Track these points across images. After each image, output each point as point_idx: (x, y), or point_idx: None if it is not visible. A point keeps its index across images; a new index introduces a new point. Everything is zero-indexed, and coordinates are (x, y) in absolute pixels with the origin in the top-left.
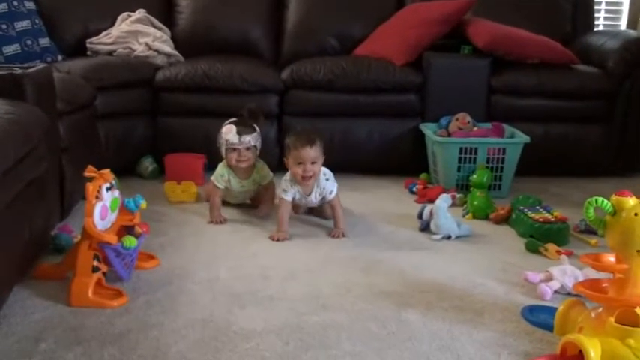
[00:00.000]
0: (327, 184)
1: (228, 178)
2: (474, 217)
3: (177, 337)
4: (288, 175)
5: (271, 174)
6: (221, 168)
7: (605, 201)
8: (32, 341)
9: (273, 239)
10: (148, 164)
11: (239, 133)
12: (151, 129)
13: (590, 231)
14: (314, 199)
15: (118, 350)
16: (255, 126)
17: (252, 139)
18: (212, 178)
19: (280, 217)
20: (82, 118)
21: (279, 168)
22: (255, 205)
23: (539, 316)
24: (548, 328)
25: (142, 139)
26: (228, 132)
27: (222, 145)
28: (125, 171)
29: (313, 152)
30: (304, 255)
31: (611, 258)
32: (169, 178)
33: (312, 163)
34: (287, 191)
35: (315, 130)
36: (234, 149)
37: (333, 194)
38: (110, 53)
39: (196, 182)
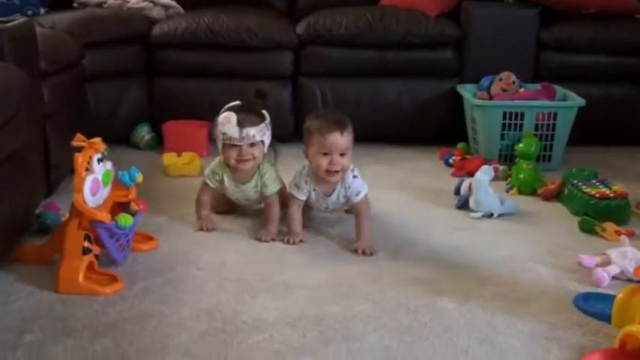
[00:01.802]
0: (355, 183)
1: (222, 178)
2: (520, 193)
3: (180, 328)
4: (305, 168)
5: (278, 183)
6: (216, 164)
7: None
8: (16, 332)
9: (288, 243)
10: (143, 133)
11: (240, 125)
12: (147, 92)
13: None
14: (336, 200)
15: (113, 342)
16: (265, 113)
17: (257, 133)
18: (205, 172)
19: (289, 215)
20: (68, 79)
21: (295, 138)
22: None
23: (594, 306)
24: (606, 318)
25: (137, 104)
26: (226, 122)
27: (218, 139)
28: (118, 140)
29: (344, 140)
30: (325, 237)
31: None
32: (168, 148)
33: (342, 154)
34: (300, 188)
35: (342, 114)
36: (234, 145)
37: (361, 196)
38: (100, 5)
39: (199, 153)
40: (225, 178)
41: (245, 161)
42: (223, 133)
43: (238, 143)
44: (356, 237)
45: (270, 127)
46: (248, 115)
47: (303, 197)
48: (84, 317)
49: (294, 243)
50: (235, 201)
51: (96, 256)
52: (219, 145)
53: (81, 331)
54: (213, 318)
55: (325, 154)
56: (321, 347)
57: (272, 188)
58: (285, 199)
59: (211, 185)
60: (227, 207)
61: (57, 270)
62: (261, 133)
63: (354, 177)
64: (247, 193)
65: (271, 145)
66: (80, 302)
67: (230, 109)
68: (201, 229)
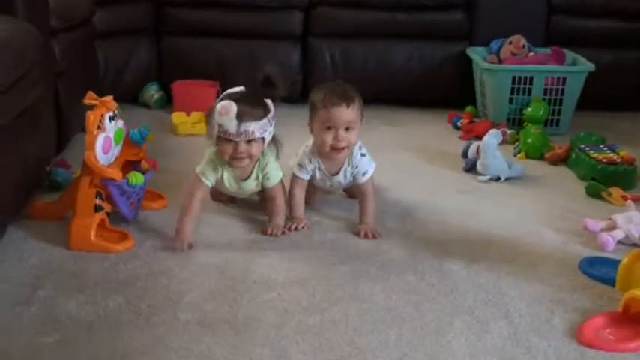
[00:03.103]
0: (362, 162)
1: (221, 174)
2: (527, 157)
3: (190, 285)
4: (308, 146)
5: (280, 174)
6: (214, 158)
7: None
8: (30, 287)
9: (290, 231)
10: (152, 91)
11: (239, 118)
12: (156, 51)
13: None
14: (342, 179)
15: (124, 299)
16: (270, 105)
17: (258, 129)
18: (198, 169)
19: (292, 198)
20: (78, 37)
21: (302, 101)
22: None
23: (599, 269)
24: (610, 282)
25: (146, 63)
26: (224, 113)
27: (212, 129)
28: (127, 99)
29: (350, 113)
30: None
31: None
32: (177, 107)
33: (347, 129)
34: (303, 167)
35: (352, 86)
36: (229, 140)
37: (367, 176)
38: None
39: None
40: (225, 175)
41: (240, 159)
42: (219, 125)
43: (234, 139)
44: (359, 219)
45: (273, 122)
46: (250, 107)
47: (306, 177)
48: (95, 274)
49: (296, 229)
50: (231, 194)
51: (107, 213)
52: (213, 135)
53: (93, 287)
54: (223, 276)
55: (329, 128)
56: (328, 306)
57: (274, 179)
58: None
59: (208, 184)
60: (227, 196)
61: (69, 227)
62: (261, 129)
63: (362, 155)
64: (248, 189)
65: (273, 141)
66: (91, 259)
67: (230, 96)
68: (175, 247)
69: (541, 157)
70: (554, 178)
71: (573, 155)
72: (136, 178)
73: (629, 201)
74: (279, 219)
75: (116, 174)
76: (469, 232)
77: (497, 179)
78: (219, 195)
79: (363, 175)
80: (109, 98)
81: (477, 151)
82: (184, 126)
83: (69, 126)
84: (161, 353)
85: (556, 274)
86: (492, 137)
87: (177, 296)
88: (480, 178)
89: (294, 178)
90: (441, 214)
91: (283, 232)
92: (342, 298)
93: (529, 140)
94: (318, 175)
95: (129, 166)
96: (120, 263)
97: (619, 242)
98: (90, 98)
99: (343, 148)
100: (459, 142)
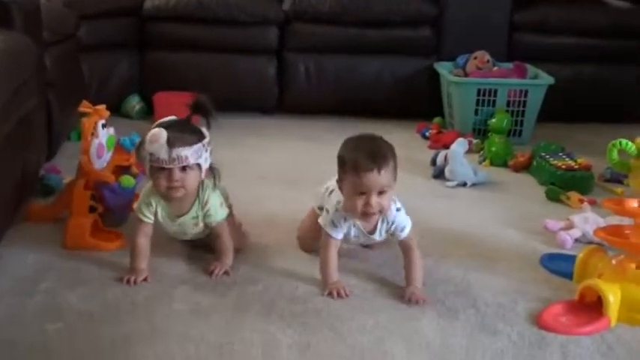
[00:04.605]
0: (398, 218)
1: (156, 210)
2: (492, 164)
3: (181, 280)
4: (339, 199)
5: (224, 212)
6: (148, 192)
7: (630, 143)
8: (31, 282)
9: (332, 297)
10: (134, 103)
11: (171, 144)
12: (138, 64)
13: (616, 180)
14: (378, 237)
15: (121, 291)
16: (205, 131)
17: (191, 155)
18: (135, 206)
19: (326, 262)
20: (66, 49)
21: (279, 110)
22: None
23: (558, 264)
24: (568, 276)
25: (128, 75)
26: (154, 140)
27: (145, 160)
28: (109, 110)
29: (383, 179)
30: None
31: (634, 204)
32: (158, 117)
33: (381, 192)
34: (338, 225)
35: (384, 140)
36: (163, 168)
37: (407, 230)
38: None
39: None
40: (159, 210)
41: (175, 189)
42: (150, 154)
43: (167, 166)
44: (406, 280)
45: (209, 148)
46: (182, 132)
47: (340, 236)
48: (92, 269)
49: (345, 294)
50: (172, 235)
51: (100, 214)
52: (146, 167)
53: (91, 281)
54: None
55: (361, 193)
56: (312, 297)
57: (218, 216)
58: (236, 221)
59: (146, 220)
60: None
61: (65, 227)
62: (195, 155)
63: (397, 210)
64: (185, 227)
65: (211, 169)
66: (87, 256)
67: (161, 124)
68: (128, 282)
69: (505, 165)
70: (517, 184)
71: (535, 162)
72: (128, 181)
73: (585, 203)
74: (227, 259)
75: (109, 177)
76: (439, 232)
77: (464, 185)
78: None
79: (402, 230)
80: (102, 107)
81: (445, 159)
82: None
83: (58, 134)
84: (159, 339)
85: (519, 269)
86: (459, 145)
87: (170, 289)
88: (448, 183)
89: (327, 239)
90: (413, 216)
91: (227, 273)
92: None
93: (493, 149)
94: (353, 232)
95: (119, 170)
96: (114, 260)
97: (576, 240)
98: (84, 106)
99: (374, 214)
100: (428, 150)
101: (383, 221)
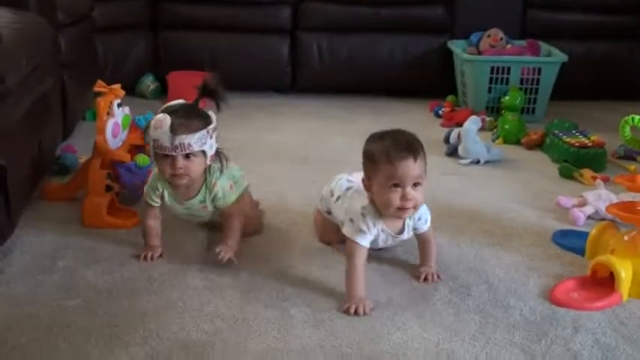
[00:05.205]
0: (422, 210)
1: (162, 193)
2: (505, 142)
3: (197, 257)
4: (364, 204)
5: (233, 195)
6: (154, 177)
7: None
8: (49, 259)
9: (348, 313)
10: (149, 83)
11: (174, 131)
12: (152, 44)
13: (629, 157)
14: (405, 236)
15: (138, 268)
16: (212, 116)
17: (195, 142)
18: (144, 189)
19: (353, 274)
20: (81, 31)
21: (292, 90)
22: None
23: (571, 241)
24: (580, 252)
25: (142, 55)
26: (158, 126)
27: (150, 145)
28: (124, 90)
29: (417, 168)
30: None
31: None
32: (172, 97)
33: (415, 184)
34: (366, 232)
35: (409, 133)
36: (166, 155)
37: (429, 223)
38: None
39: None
40: (166, 194)
41: (179, 176)
42: (154, 140)
43: (170, 153)
44: (421, 261)
45: (215, 134)
46: (186, 118)
47: (367, 244)
48: (109, 247)
49: (364, 313)
50: (182, 217)
51: (117, 193)
52: (152, 154)
53: (108, 259)
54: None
55: (395, 185)
56: (325, 274)
57: (229, 199)
58: (248, 201)
59: (153, 204)
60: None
61: (82, 206)
62: (199, 142)
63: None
64: (193, 210)
65: (217, 154)
66: (104, 235)
67: (167, 109)
68: (145, 259)
69: (518, 142)
70: (530, 161)
71: (548, 140)
72: (143, 159)
73: (598, 180)
74: (233, 241)
75: (125, 156)
76: (453, 210)
77: (477, 162)
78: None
79: (425, 222)
80: (117, 86)
81: (458, 137)
82: None
83: (73, 114)
84: (175, 314)
85: (532, 245)
86: (472, 123)
87: (186, 266)
88: (461, 161)
89: (355, 247)
90: (426, 194)
91: (230, 260)
92: (340, 260)
93: (507, 126)
94: (381, 236)
95: (134, 149)
96: (130, 238)
97: (589, 217)
98: (99, 86)
99: (410, 209)
100: (441, 129)
101: (410, 218)
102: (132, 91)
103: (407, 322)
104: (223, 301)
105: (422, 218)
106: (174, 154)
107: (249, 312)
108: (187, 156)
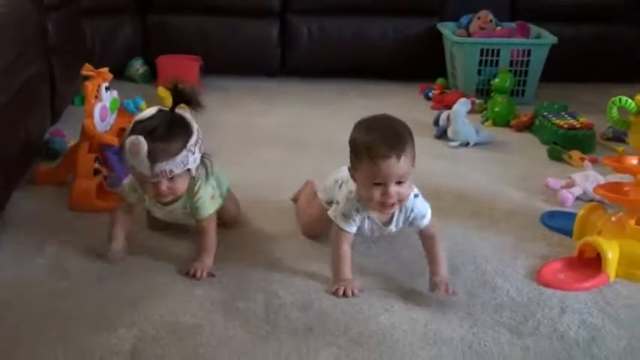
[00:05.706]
0: (417, 204)
1: (142, 196)
2: (495, 124)
3: (185, 235)
4: (353, 193)
5: (212, 207)
6: (134, 181)
7: (630, 100)
8: (38, 244)
9: (337, 295)
10: (138, 66)
11: (152, 159)
12: (141, 27)
13: (618, 138)
14: (394, 228)
15: (127, 253)
16: (191, 126)
17: (176, 166)
18: (123, 183)
19: (339, 257)
20: (68, 14)
21: (281, 73)
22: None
23: (559, 222)
24: (568, 233)
25: (131, 39)
26: (134, 153)
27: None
28: (113, 74)
29: (402, 167)
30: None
31: (634, 161)
32: (162, 81)
33: (399, 182)
34: (350, 218)
35: (398, 121)
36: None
37: (428, 218)
38: None
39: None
40: (146, 198)
41: (164, 196)
42: (132, 167)
43: (152, 180)
44: (431, 270)
45: (199, 144)
46: (165, 141)
47: (354, 230)
48: (99, 230)
49: (352, 294)
50: (161, 218)
51: (105, 177)
52: (131, 173)
53: (97, 243)
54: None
55: (378, 184)
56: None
57: (206, 211)
58: (225, 214)
59: (129, 200)
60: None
61: (70, 190)
62: (181, 165)
63: (415, 196)
64: (174, 214)
65: (202, 162)
66: (92, 218)
67: (142, 127)
68: (107, 258)
69: (507, 125)
70: (520, 143)
71: (537, 122)
72: None
73: (586, 162)
74: (208, 259)
75: (113, 139)
76: (442, 191)
77: (467, 145)
78: (154, 224)
79: (423, 217)
80: (105, 70)
81: (448, 119)
82: (170, 98)
83: (62, 98)
84: (163, 298)
85: (520, 227)
86: (462, 105)
87: (174, 247)
88: (451, 144)
89: (340, 232)
90: (416, 176)
91: (211, 275)
92: (324, 251)
93: (496, 109)
94: (367, 224)
95: (122, 133)
96: None
97: (577, 198)
98: (87, 70)
99: (393, 204)
100: (431, 111)
101: (400, 210)
102: (121, 74)
103: (395, 304)
104: (212, 285)
105: (417, 213)
106: (156, 180)
107: (238, 294)
108: (172, 179)
